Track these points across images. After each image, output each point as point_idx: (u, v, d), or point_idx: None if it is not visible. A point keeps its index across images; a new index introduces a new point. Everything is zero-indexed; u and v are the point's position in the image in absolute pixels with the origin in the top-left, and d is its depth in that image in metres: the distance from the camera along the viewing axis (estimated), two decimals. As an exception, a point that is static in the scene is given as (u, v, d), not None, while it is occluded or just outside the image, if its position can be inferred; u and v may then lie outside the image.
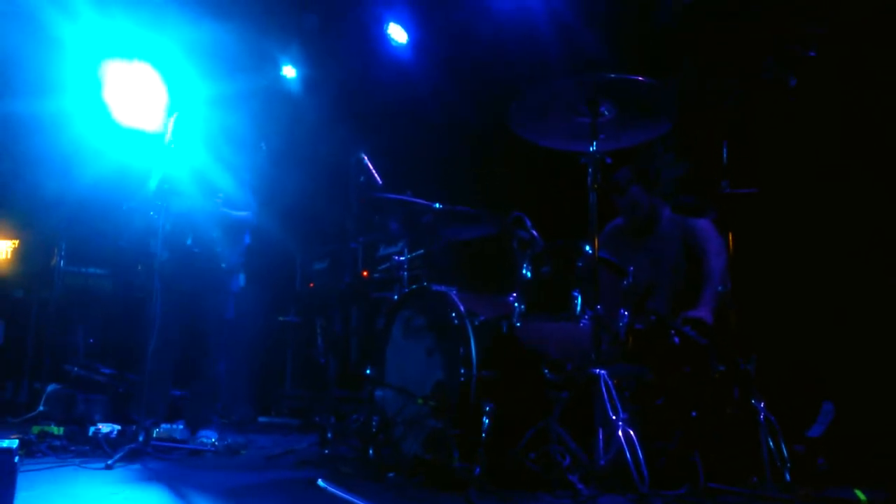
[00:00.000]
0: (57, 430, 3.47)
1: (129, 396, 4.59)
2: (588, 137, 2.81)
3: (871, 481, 2.65)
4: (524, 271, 2.92)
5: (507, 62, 5.07)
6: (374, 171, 3.79)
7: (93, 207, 5.47)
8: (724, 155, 3.03)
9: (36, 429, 3.48)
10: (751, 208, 2.99)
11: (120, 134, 4.70)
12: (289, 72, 6.18)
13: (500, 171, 5.12)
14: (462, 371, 2.84)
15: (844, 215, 3.40)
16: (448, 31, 5.58)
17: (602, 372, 2.51)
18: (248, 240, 4.33)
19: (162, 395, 3.95)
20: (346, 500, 2.29)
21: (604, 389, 2.46)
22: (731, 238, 2.96)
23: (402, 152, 5.35)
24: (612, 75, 2.64)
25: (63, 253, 5.28)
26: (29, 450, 3.21)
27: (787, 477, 2.52)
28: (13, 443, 1.73)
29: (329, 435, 3.61)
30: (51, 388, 4.50)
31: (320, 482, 2.50)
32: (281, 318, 6.00)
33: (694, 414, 2.74)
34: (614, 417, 2.40)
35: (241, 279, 4.42)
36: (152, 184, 3.97)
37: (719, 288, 3.17)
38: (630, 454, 2.30)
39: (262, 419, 5.48)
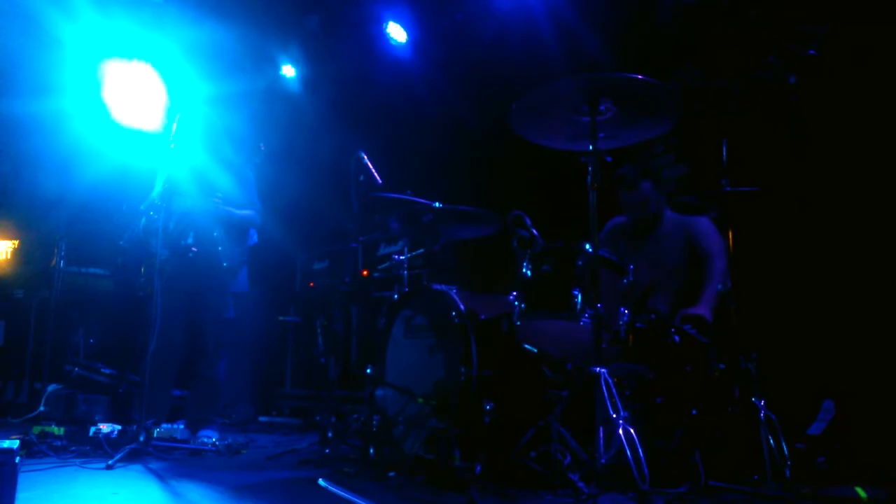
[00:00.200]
0: (58, 430, 3.47)
1: (129, 396, 4.59)
2: (588, 136, 2.81)
3: (871, 479, 2.65)
4: (524, 270, 2.92)
5: (506, 61, 5.06)
6: (373, 171, 3.79)
7: (93, 207, 5.48)
8: (724, 154, 3.03)
9: (37, 429, 3.48)
10: (751, 207, 2.99)
11: (120, 134, 4.70)
12: (288, 71, 6.18)
13: (500, 171, 5.12)
14: (462, 370, 2.84)
15: (845, 214, 3.40)
16: (448, 30, 5.58)
17: (602, 370, 2.51)
18: (254, 238, 4.33)
19: (163, 395, 3.95)
20: (347, 499, 2.29)
21: (604, 388, 2.46)
22: (731, 237, 2.96)
23: (401, 152, 5.35)
24: (613, 74, 2.64)
25: (63, 253, 5.28)
26: (30, 450, 3.22)
27: (788, 475, 2.52)
28: (14, 443, 1.73)
29: (330, 434, 3.61)
30: (51, 388, 4.50)
31: (321, 482, 2.50)
32: (281, 318, 6.00)
33: (694, 412, 2.74)
34: (615, 416, 2.40)
35: (245, 281, 4.42)
36: (158, 186, 3.98)
37: (719, 287, 3.17)
38: (631, 453, 2.30)
39: (262, 419, 5.49)
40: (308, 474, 2.89)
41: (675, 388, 2.84)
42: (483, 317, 2.99)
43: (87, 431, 3.50)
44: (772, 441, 2.58)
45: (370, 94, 6.04)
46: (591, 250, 2.75)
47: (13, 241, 5.37)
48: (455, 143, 5.51)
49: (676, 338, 2.90)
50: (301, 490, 2.64)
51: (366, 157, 3.81)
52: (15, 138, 5.47)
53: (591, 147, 2.77)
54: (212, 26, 5.25)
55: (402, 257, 3.80)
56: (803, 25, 3.47)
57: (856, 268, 3.35)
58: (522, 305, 2.86)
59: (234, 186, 4.14)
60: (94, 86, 4.67)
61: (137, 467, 3.03)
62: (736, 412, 2.78)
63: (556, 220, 3.67)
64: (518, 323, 2.86)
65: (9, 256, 5.37)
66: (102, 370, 4.70)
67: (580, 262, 2.80)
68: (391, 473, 2.76)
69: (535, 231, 3.15)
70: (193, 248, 3.90)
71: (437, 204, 3.43)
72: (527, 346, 2.94)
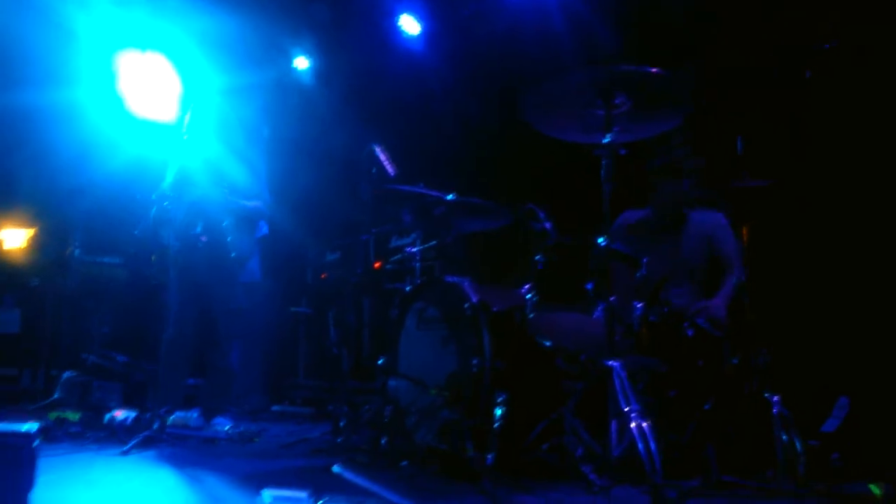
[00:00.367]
0: (74, 416, 3.52)
1: (144, 384, 4.64)
2: (601, 129, 2.80)
3: (886, 477, 2.64)
4: (537, 263, 2.92)
5: (519, 54, 5.04)
6: (386, 163, 3.79)
7: (107, 197, 5.51)
8: (739, 147, 3.01)
9: (53, 415, 3.53)
10: (766, 200, 2.98)
11: (134, 125, 4.72)
12: (301, 63, 6.18)
13: (511, 163, 5.11)
14: (475, 362, 2.85)
15: (862, 207, 3.37)
16: (460, 22, 5.56)
17: (615, 364, 2.51)
18: (264, 230, 4.35)
19: (177, 383, 3.99)
20: (362, 486, 2.30)
21: (617, 381, 2.46)
22: (746, 230, 2.94)
23: (413, 144, 5.35)
24: (627, 67, 2.62)
25: (78, 242, 5.33)
26: (47, 435, 3.26)
27: (801, 471, 2.51)
28: (33, 426, 1.76)
29: (342, 424, 3.63)
30: (67, 375, 4.55)
31: (335, 468, 2.52)
32: (293, 309, 6.03)
33: (707, 406, 2.73)
34: (627, 409, 2.40)
35: (257, 271, 4.44)
36: (169, 176, 4.01)
37: (735, 282, 3.15)
38: (643, 446, 2.30)
39: (275, 408, 5.52)
40: (321, 462, 2.91)
41: (688, 381, 2.84)
42: (496, 308, 2.99)
43: (103, 418, 3.54)
44: (785, 437, 2.57)
45: (382, 86, 6.03)
46: (604, 243, 2.74)
47: (30, 230, 5.43)
48: (467, 135, 5.51)
49: (690, 331, 2.89)
50: (315, 477, 2.66)
51: (379, 149, 3.81)
52: (31, 129, 5.51)
53: (605, 140, 2.76)
54: (225, 17, 5.26)
55: (414, 249, 3.80)
56: (820, 17, 3.44)
57: (871, 263, 3.33)
58: (535, 298, 2.87)
59: (245, 177, 4.16)
60: (109, 77, 4.70)
61: (152, 454, 3.07)
62: (749, 407, 2.77)
63: (567, 213, 3.66)
64: (531, 315, 2.86)
65: (25, 245, 5.42)
66: (117, 358, 4.75)
67: (593, 255, 2.79)
68: (403, 463, 2.77)
69: (547, 224, 3.15)
70: (203, 238, 3.92)
71: (449, 196, 3.43)
72: (539, 338, 2.94)
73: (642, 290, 2.84)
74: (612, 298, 2.67)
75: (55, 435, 3.28)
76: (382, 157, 3.79)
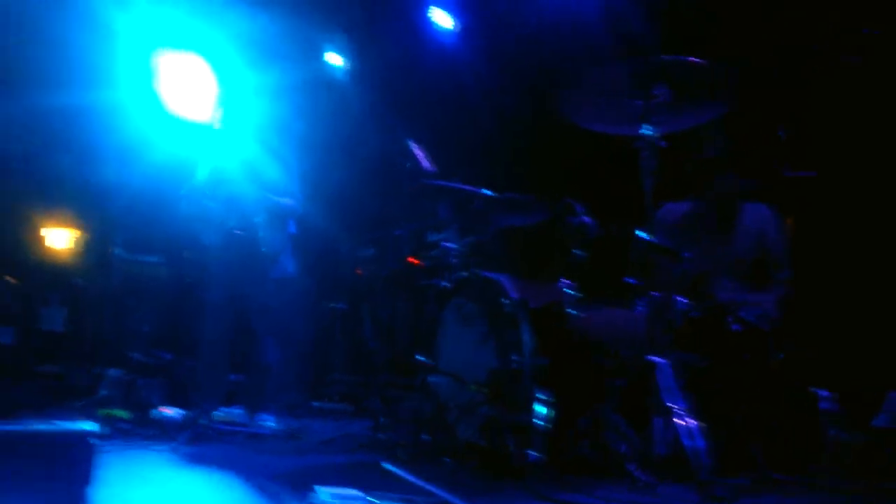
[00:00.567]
0: (123, 413, 3.59)
1: (187, 381, 4.72)
2: (640, 120, 2.77)
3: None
4: (577, 258, 2.90)
5: (553, 45, 5.00)
6: (423, 158, 3.80)
7: (147, 197, 5.61)
8: (782, 137, 2.95)
9: (102, 412, 3.61)
10: (811, 191, 2.92)
11: (172, 125, 4.79)
12: (334, 59, 6.20)
13: (548, 157, 5.07)
14: (515, 358, 2.84)
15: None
16: (493, 14, 5.53)
17: (660, 359, 2.48)
18: (292, 228, 4.39)
19: (219, 379, 4.05)
20: (412, 482, 2.32)
21: (662, 377, 2.43)
22: (790, 222, 2.89)
23: (447, 138, 5.34)
24: (668, 57, 2.59)
25: (120, 242, 5.44)
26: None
27: (850, 467, 2.47)
28: (92, 425, 1.81)
29: (382, 420, 3.66)
30: (112, 372, 4.65)
31: (385, 465, 2.54)
32: (329, 305, 6.07)
33: (752, 402, 2.69)
34: (673, 406, 2.38)
35: (288, 268, 4.49)
36: (201, 173, 4.06)
37: (783, 275, 3.10)
38: (690, 443, 2.27)
39: (313, 404, 5.58)
40: (366, 458, 2.94)
41: (732, 377, 2.80)
42: (535, 304, 2.98)
43: (149, 415, 3.61)
44: (834, 432, 2.53)
45: (416, 80, 6.03)
46: (645, 237, 2.72)
47: (74, 231, 5.56)
48: (501, 128, 5.48)
49: (735, 326, 2.85)
50: (363, 474, 2.67)
51: (415, 144, 3.82)
52: (75, 130, 5.63)
53: (646, 131, 2.73)
54: (260, 16, 5.31)
55: (451, 245, 3.81)
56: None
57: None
58: (575, 293, 2.85)
59: (277, 174, 4.20)
60: (148, 77, 4.77)
61: (201, 450, 3.13)
62: (795, 402, 2.73)
63: (604, 205, 3.62)
64: (571, 311, 2.85)
65: (70, 245, 5.55)
66: (161, 355, 4.84)
67: (634, 250, 2.77)
68: (446, 459, 2.78)
69: (586, 218, 3.12)
70: (236, 233, 3.97)
71: (487, 191, 3.42)
72: (580, 334, 2.92)
73: (684, 285, 2.80)
74: (653, 293, 2.65)
75: (105, 432, 3.35)
76: (419, 152, 3.80)
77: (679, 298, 2.77)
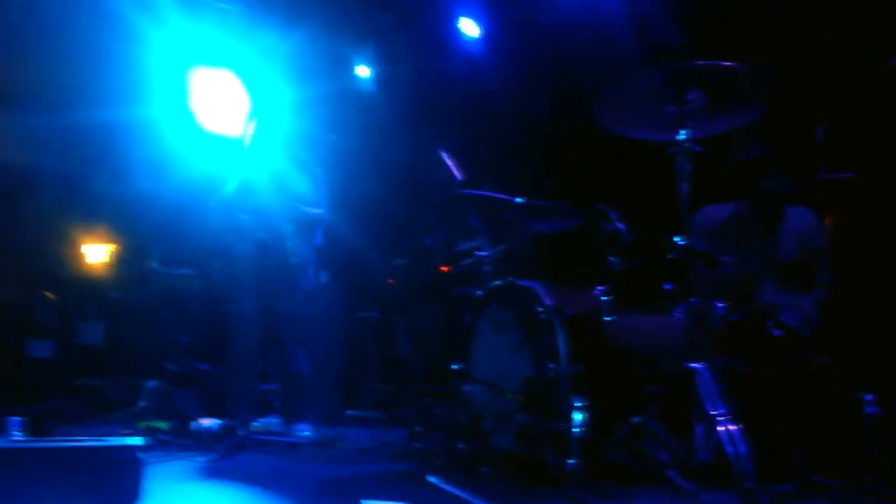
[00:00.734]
0: (162, 424, 3.64)
1: (223, 392, 4.78)
2: (674, 126, 2.75)
3: None
4: (611, 264, 2.89)
5: (580, 52, 4.98)
6: (454, 167, 3.81)
7: (182, 211, 5.71)
8: (819, 139, 2.91)
9: (142, 424, 3.67)
10: (851, 193, 2.87)
11: (205, 140, 4.88)
12: (363, 71, 6.26)
13: (579, 163, 5.05)
14: (551, 366, 2.83)
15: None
16: (520, 22, 5.54)
17: (700, 366, 2.46)
18: (319, 239, 4.44)
19: (251, 389, 4.10)
20: (456, 495, 2.32)
21: (702, 384, 2.41)
22: (829, 225, 2.84)
23: (476, 146, 5.35)
24: (702, 62, 2.57)
25: (155, 255, 5.54)
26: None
27: (894, 471, 2.41)
28: (139, 440, 1.84)
29: (417, 429, 3.67)
30: (150, 384, 4.72)
31: (430, 478, 2.54)
32: (361, 314, 6.11)
33: (795, 407, 2.65)
34: (713, 412, 2.35)
35: (323, 276, 4.52)
36: (230, 185, 4.13)
37: (824, 278, 3.05)
38: (733, 450, 2.24)
39: (348, 413, 5.60)
40: (404, 467, 2.95)
41: (773, 382, 2.76)
42: (569, 312, 2.97)
43: (188, 426, 3.66)
44: (879, 437, 2.48)
45: (444, 90, 6.06)
46: (682, 242, 2.69)
47: (111, 245, 5.66)
48: (530, 135, 5.48)
49: (776, 331, 2.80)
50: (401, 483, 2.68)
51: (445, 154, 3.83)
52: (111, 146, 5.75)
53: (681, 137, 2.71)
54: (290, 31, 5.38)
55: (484, 253, 3.80)
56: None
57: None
58: (611, 300, 2.83)
59: (305, 186, 4.25)
60: (182, 93, 4.87)
61: (241, 460, 3.16)
62: (838, 407, 2.68)
63: (639, 212, 3.59)
64: (607, 318, 2.83)
65: (107, 260, 5.66)
66: (197, 366, 4.90)
67: (670, 255, 2.74)
68: (483, 468, 2.78)
69: (619, 225, 3.10)
70: (266, 243, 4.03)
71: (518, 199, 3.42)
72: (616, 341, 2.90)
73: (724, 290, 2.77)
74: (692, 299, 2.62)
75: (148, 444, 3.40)
76: (449, 161, 3.81)
77: (718, 303, 2.74)
